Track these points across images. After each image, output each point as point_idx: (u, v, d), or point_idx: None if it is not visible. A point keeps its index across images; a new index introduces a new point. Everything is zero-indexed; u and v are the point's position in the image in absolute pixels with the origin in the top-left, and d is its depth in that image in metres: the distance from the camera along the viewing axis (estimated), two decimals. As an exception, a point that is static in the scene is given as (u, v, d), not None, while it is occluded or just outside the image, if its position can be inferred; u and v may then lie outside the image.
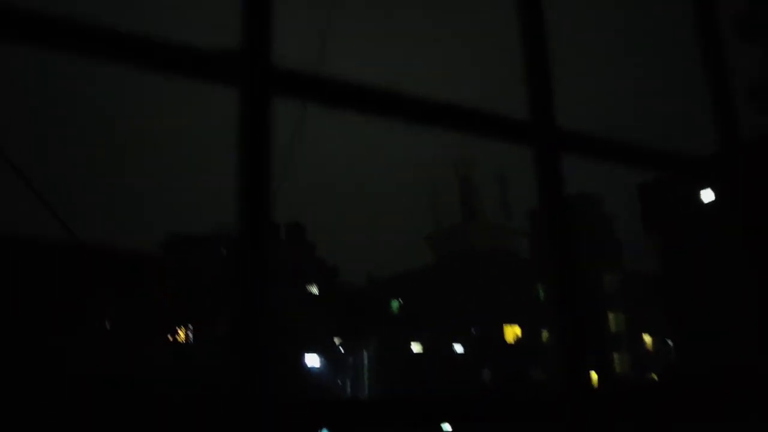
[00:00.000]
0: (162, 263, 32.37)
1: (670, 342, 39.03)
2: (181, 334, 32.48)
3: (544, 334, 45.15)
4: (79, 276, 26.08)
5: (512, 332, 45.24)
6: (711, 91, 0.81)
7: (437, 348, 45.32)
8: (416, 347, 47.58)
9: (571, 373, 0.67)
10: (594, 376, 42.48)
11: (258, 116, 0.56)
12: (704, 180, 0.78)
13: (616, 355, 44.14)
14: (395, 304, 49.97)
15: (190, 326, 32.65)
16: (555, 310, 0.61)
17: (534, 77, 0.68)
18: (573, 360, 0.65)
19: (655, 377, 40.05)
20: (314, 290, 41.11)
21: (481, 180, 58.62)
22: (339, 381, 41.44)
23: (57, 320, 25.49)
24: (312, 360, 39.23)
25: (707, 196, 25.54)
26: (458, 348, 45.21)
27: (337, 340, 42.25)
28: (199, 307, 31.65)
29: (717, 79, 0.81)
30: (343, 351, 42.98)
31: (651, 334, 46.52)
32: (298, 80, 0.57)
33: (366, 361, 45.08)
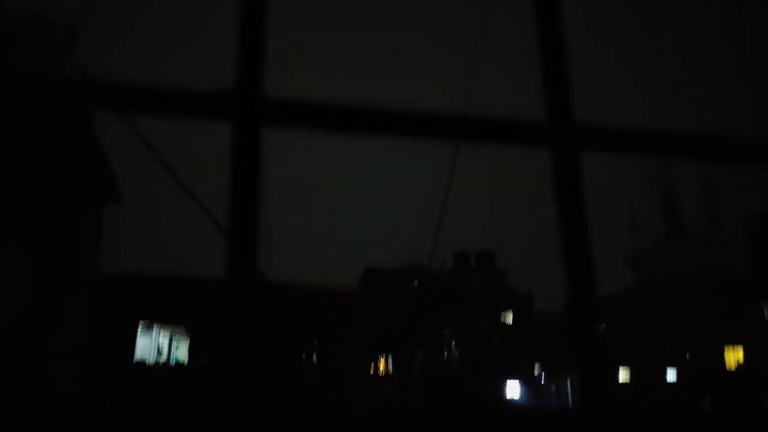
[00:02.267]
0: (360, 297, 33.78)
1: None
2: (382, 366, 33.52)
3: (773, 358, 40.22)
4: (288, 314, 27.99)
5: (734, 356, 40.87)
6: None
7: (646, 375, 42.25)
8: (623, 375, 44.78)
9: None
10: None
11: (250, 144, 0.60)
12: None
13: None
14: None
15: (390, 357, 33.61)
16: (574, 336, 0.57)
17: (549, 74, 0.65)
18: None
19: None
20: (509, 319, 40.45)
21: (680, 190, 54.17)
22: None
23: (275, 358, 27.50)
24: (513, 388, 38.47)
25: None
26: (670, 375, 41.80)
27: (537, 369, 41.10)
28: (396, 338, 32.53)
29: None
30: (544, 380, 41.67)
31: None
32: (289, 109, 0.61)
33: (569, 390, 43.25)
